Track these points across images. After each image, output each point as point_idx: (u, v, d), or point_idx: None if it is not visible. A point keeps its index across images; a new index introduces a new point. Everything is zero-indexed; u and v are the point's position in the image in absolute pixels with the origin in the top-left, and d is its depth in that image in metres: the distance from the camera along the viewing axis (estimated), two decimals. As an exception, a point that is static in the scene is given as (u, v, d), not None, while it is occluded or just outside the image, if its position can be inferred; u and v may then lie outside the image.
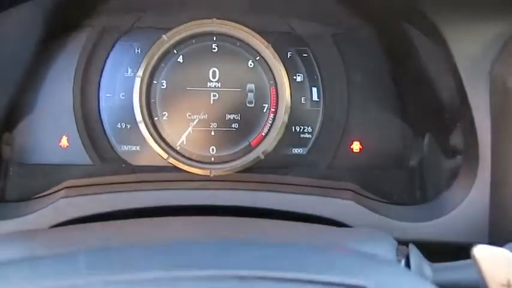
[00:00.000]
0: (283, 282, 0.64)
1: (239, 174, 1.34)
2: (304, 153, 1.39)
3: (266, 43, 1.34)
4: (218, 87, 1.36)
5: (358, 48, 1.39)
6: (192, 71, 1.36)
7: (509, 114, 1.09)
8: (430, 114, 1.33)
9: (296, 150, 1.39)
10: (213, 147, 1.36)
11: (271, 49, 1.35)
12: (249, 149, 1.36)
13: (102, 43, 1.35)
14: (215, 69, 1.36)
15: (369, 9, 1.31)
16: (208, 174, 1.32)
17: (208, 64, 1.36)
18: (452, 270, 0.84)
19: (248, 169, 1.34)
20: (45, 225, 1.16)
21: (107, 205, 1.21)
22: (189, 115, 1.36)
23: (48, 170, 1.34)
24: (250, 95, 1.37)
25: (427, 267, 0.84)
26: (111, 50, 1.36)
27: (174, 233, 0.95)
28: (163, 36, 1.33)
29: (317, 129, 1.39)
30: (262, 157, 1.34)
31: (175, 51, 1.35)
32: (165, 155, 1.33)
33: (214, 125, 1.36)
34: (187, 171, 1.33)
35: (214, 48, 1.37)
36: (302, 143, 1.39)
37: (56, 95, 1.35)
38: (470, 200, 1.15)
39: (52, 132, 1.35)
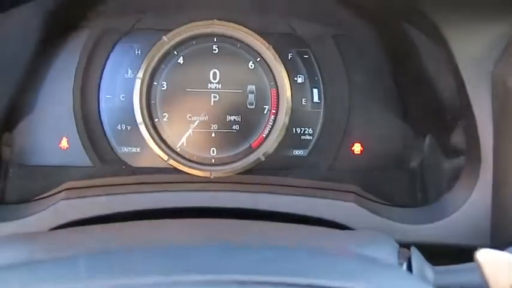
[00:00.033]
0: (283, 287, 0.63)
1: (240, 176, 1.33)
2: (305, 154, 1.39)
3: (267, 44, 1.34)
4: (219, 89, 1.36)
5: (358, 49, 1.38)
6: (192, 72, 1.36)
7: (509, 114, 1.09)
8: (431, 115, 1.32)
9: (297, 152, 1.39)
10: (214, 148, 1.36)
11: (272, 50, 1.34)
12: (250, 150, 1.36)
13: (102, 44, 1.35)
14: (216, 70, 1.36)
15: (369, 10, 1.30)
16: (209, 176, 1.31)
17: (209, 65, 1.36)
18: (455, 274, 0.83)
19: (249, 171, 1.34)
20: (45, 228, 1.16)
21: (107, 207, 1.20)
22: (190, 116, 1.36)
23: (48, 172, 1.34)
24: (251, 97, 1.36)
25: (429, 270, 0.83)
26: (111, 51, 1.36)
27: (174, 236, 0.95)
28: (164, 37, 1.33)
29: (318, 130, 1.38)
30: (263, 159, 1.34)
31: (175, 52, 1.35)
32: (165, 157, 1.32)
33: (214, 126, 1.36)
34: (188, 173, 1.32)
35: (215, 50, 1.36)
36: (303, 144, 1.39)
37: (56, 96, 1.35)
38: (472, 202, 1.15)
39: (52, 133, 1.35)
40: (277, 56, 1.35)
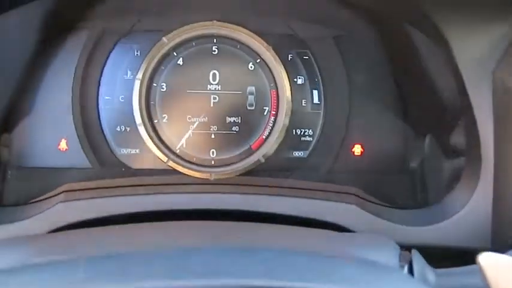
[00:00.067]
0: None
1: (239, 177, 1.33)
2: (305, 156, 1.38)
3: (267, 45, 1.34)
4: (218, 90, 1.35)
5: (359, 50, 1.38)
6: (192, 73, 1.35)
7: (510, 114, 1.09)
8: (431, 115, 1.32)
9: (297, 154, 1.38)
10: (213, 150, 1.35)
11: (272, 51, 1.34)
12: (250, 152, 1.35)
13: (101, 45, 1.35)
14: (215, 71, 1.35)
15: (369, 10, 1.30)
16: (209, 177, 1.31)
17: (209, 66, 1.35)
18: (456, 277, 0.83)
19: (248, 172, 1.33)
20: (43, 230, 1.15)
21: (106, 209, 1.20)
22: (189, 118, 1.35)
23: (47, 174, 1.34)
24: (251, 98, 1.36)
25: (430, 273, 0.83)
26: (111, 52, 1.35)
27: (174, 238, 0.95)
28: (163, 38, 1.32)
29: (318, 132, 1.38)
30: (263, 160, 1.33)
31: (175, 53, 1.35)
32: (164, 158, 1.32)
33: (214, 128, 1.35)
34: (187, 175, 1.32)
35: (215, 51, 1.36)
36: (303, 146, 1.38)
37: (55, 97, 1.35)
38: (473, 203, 1.14)
39: (51, 135, 1.35)
40: (277, 57, 1.34)
